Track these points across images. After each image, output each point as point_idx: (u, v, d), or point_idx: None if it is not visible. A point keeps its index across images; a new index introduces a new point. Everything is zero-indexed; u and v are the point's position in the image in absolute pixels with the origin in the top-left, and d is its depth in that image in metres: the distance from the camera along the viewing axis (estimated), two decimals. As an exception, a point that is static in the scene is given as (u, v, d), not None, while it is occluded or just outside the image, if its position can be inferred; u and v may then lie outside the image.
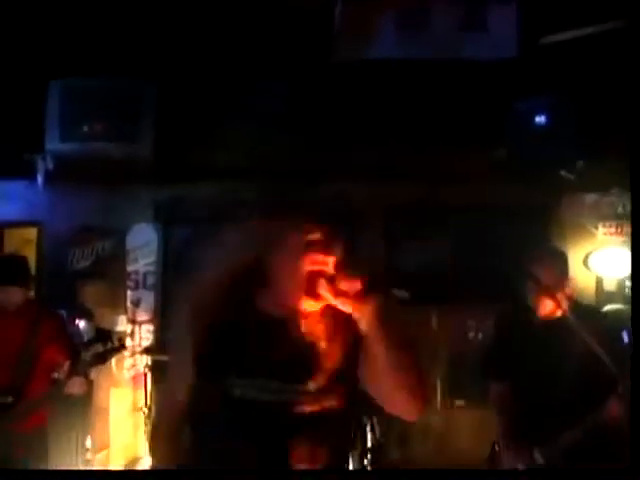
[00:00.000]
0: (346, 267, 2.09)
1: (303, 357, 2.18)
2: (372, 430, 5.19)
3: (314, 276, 2.14)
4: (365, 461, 5.17)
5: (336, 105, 5.88)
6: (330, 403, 2.16)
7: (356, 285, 2.04)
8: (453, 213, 6.25)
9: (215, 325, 2.21)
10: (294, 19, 4.86)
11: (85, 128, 6.00)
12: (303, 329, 2.21)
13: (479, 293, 5.99)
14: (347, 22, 5.01)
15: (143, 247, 6.58)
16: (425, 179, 6.01)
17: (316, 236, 2.19)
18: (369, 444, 5.18)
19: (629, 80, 3.09)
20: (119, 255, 6.60)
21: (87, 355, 4.65)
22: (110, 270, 6.61)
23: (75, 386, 4.57)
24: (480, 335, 6.02)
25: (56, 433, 5.26)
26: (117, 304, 6.54)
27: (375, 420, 5.21)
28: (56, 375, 4.58)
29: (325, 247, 2.17)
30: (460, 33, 5.11)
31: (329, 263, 2.14)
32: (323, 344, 2.19)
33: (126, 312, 6.53)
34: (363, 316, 2.06)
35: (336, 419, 2.19)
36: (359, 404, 2.24)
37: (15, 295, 4.66)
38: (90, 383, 4.98)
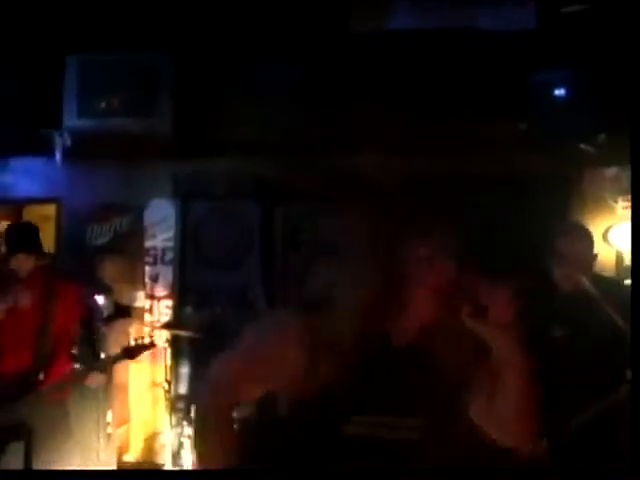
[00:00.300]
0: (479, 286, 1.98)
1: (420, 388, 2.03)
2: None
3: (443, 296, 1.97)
4: None
5: (354, 77, 5.86)
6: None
7: (507, 313, 1.95)
8: (471, 186, 6.22)
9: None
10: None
11: (102, 104, 6.01)
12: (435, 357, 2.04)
13: (498, 268, 5.98)
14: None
15: (161, 223, 6.60)
16: (444, 152, 5.98)
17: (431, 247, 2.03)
18: None
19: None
20: (137, 231, 6.63)
21: (113, 352, 4.92)
22: (128, 246, 6.64)
23: (94, 379, 4.83)
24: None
25: (79, 408, 5.34)
26: (135, 280, 6.58)
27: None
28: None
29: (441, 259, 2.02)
30: (477, 4, 5.08)
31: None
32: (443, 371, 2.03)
33: (144, 288, 6.56)
34: (503, 344, 1.96)
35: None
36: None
37: (25, 262, 4.74)
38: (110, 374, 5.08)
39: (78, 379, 4.82)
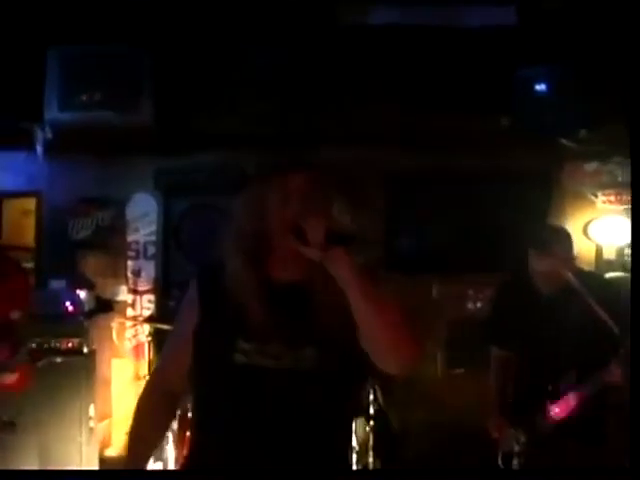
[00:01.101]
0: (317, 216, 2.12)
1: (303, 319, 2.18)
2: (374, 397, 5.28)
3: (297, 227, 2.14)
4: (367, 428, 5.28)
5: (338, 71, 5.90)
6: (331, 366, 2.16)
7: (320, 234, 2.07)
8: (453, 181, 6.31)
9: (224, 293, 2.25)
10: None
11: (84, 97, 6.01)
12: (304, 290, 2.21)
13: (479, 262, 6.09)
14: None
15: (143, 217, 6.62)
16: (426, 147, 6.06)
17: (299, 183, 2.24)
18: (371, 411, 5.28)
19: (630, 51, 3.14)
20: (119, 225, 6.64)
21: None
22: (110, 240, 6.66)
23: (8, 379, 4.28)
24: (479, 304, 6.11)
25: (62, 402, 5.38)
26: (118, 274, 6.60)
27: (377, 387, 5.30)
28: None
29: (307, 196, 2.21)
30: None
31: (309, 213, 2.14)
32: (322, 305, 2.17)
33: (127, 282, 6.58)
34: (336, 269, 2.08)
35: (338, 383, 2.20)
36: (360, 369, 2.23)
37: None
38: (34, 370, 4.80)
39: None
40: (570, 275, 3.82)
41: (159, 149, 6.40)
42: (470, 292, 6.16)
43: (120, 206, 6.62)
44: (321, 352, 2.15)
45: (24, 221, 7.02)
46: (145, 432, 2.42)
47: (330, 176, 2.32)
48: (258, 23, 5.66)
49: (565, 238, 4.02)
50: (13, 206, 7.12)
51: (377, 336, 2.07)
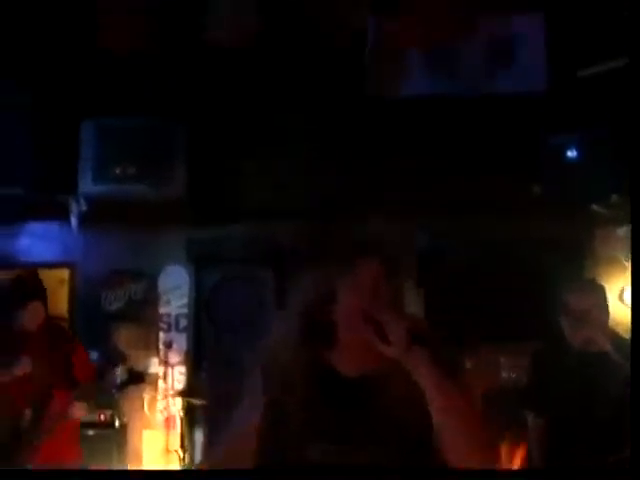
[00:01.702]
0: (391, 312, 2.04)
1: (371, 415, 2.09)
2: None
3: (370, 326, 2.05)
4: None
5: (370, 141, 5.99)
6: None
7: (401, 333, 2.01)
8: (485, 248, 6.31)
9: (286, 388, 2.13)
10: (326, 54, 5.00)
11: (117, 170, 6.16)
12: (374, 388, 2.10)
13: (513, 330, 6.05)
14: (378, 59, 5.15)
15: (175, 289, 6.70)
16: (458, 213, 6.09)
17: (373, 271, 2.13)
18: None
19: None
20: (151, 297, 6.73)
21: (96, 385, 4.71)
22: (142, 312, 6.74)
23: (78, 410, 4.57)
24: (513, 373, 6.05)
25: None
26: (149, 346, 6.65)
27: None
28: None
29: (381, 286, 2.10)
30: (490, 68, 5.24)
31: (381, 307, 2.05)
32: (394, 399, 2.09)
33: (158, 354, 6.63)
34: (416, 367, 2.02)
35: None
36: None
37: (39, 311, 4.59)
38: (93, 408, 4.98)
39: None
40: (606, 342, 3.79)
41: (191, 220, 6.50)
42: (503, 360, 6.11)
43: (152, 278, 6.72)
44: (386, 449, 2.07)
45: (58, 291, 7.10)
46: None
47: (402, 263, 2.23)
48: (290, 95, 5.78)
49: (600, 304, 3.99)
50: (48, 276, 7.21)
51: (453, 430, 2.01)
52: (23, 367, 4.50)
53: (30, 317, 4.57)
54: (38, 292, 4.68)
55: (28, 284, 4.78)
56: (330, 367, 2.15)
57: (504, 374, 6.14)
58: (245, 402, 2.25)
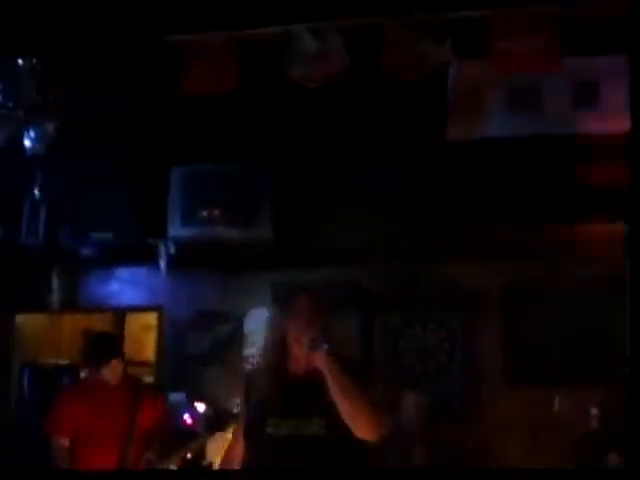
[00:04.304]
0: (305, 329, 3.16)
1: (311, 399, 3.14)
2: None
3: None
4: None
5: (452, 184, 6.16)
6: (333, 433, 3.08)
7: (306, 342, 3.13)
8: (568, 290, 6.35)
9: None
10: (405, 98, 5.16)
11: (204, 213, 6.46)
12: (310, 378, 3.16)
13: (598, 373, 6.07)
14: (459, 101, 5.31)
15: (260, 331, 6.86)
16: (538, 257, 6.18)
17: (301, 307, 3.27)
18: None
19: None
20: (237, 339, 6.96)
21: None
22: (228, 354, 6.98)
23: (157, 464, 4.96)
24: (599, 415, 6.06)
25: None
26: (234, 387, 6.85)
27: None
28: (149, 456, 4.96)
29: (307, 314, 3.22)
30: (572, 109, 5.33)
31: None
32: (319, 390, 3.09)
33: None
34: (317, 364, 3.10)
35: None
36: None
37: (118, 368, 5.07)
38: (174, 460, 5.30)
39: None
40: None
41: (276, 263, 6.73)
42: (590, 405, 6.12)
43: (238, 320, 6.96)
44: (326, 420, 3.09)
45: (143, 336, 7.42)
46: None
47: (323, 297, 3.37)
48: (372, 140, 5.96)
49: None
50: (133, 321, 7.55)
51: (345, 411, 3.02)
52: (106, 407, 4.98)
53: (111, 373, 5.06)
54: (117, 350, 5.22)
55: (108, 342, 5.33)
56: (284, 369, 3.27)
57: (592, 417, 6.14)
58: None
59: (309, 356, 3.13)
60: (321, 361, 3.08)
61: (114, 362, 5.05)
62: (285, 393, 3.18)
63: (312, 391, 3.12)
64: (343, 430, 3.04)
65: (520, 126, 5.50)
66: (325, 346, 3.09)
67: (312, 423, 3.09)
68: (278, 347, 3.28)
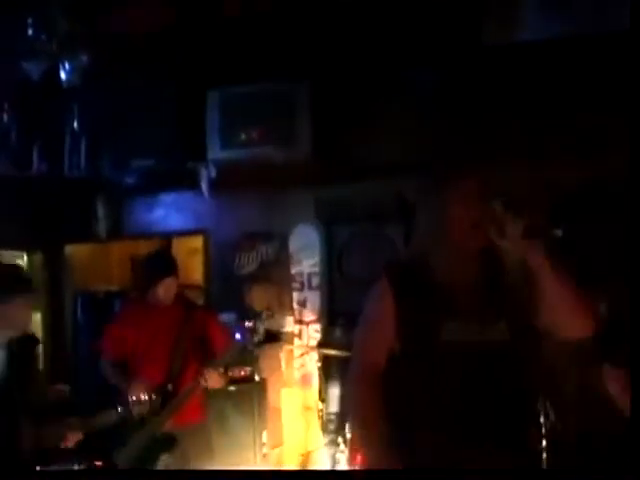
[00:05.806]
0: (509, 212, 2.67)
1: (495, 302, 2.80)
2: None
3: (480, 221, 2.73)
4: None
5: (491, 90, 6.11)
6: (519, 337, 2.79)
7: (519, 228, 2.64)
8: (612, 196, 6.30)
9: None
10: (441, 4, 5.14)
11: (243, 135, 6.56)
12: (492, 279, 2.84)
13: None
14: (494, 5, 5.30)
15: (306, 248, 6.99)
16: (585, 158, 6.14)
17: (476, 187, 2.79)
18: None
19: None
20: (283, 258, 7.07)
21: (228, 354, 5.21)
22: (275, 273, 7.09)
23: (212, 381, 5.06)
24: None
25: (236, 428, 5.84)
26: (284, 306, 7.03)
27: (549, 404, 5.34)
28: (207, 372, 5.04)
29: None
30: (602, 5, 5.27)
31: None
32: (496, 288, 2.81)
33: (293, 313, 6.99)
34: (532, 256, 2.68)
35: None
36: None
37: (173, 286, 5.21)
38: (227, 378, 5.47)
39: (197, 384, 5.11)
40: None
41: (318, 180, 6.77)
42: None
43: (283, 239, 7.07)
44: (511, 325, 2.77)
45: (190, 260, 7.60)
46: (375, 419, 2.83)
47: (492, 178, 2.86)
48: (407, 45, 5.95)
49: None
50: (179, 246, 7.72)
51: (564, 305, 2.69)
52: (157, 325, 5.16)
53: (165, 292, 5.19)
54: (172, 268, 5.27)
55: (163, 260, 5.43)
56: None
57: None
58: (376, 304, 2.92)
59: (516, 245, 2.68)
60: (539, 251, 2.67)
61: (168, 280, 5.17)
62: (463, 293, 2.80)
63: (495, 291, 2.82)
64: (527, 334, 2.80)
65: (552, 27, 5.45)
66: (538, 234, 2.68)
67: (496, 328, 2.77)
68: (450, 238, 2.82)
